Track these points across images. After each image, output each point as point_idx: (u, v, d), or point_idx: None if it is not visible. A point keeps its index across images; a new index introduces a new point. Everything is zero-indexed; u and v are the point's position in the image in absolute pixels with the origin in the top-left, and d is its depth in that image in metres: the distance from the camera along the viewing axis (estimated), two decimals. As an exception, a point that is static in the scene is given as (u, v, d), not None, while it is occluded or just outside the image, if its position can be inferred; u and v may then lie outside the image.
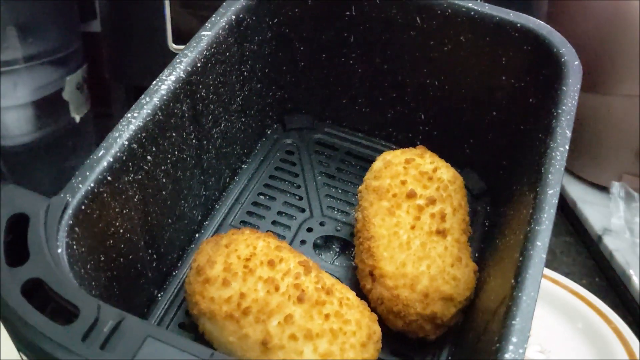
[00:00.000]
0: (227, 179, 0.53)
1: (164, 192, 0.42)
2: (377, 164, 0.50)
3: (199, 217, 0.50)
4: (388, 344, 0.43)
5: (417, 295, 0.42)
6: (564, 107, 0.40)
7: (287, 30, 0.51)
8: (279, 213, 0.52)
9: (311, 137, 0.58)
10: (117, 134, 0.37)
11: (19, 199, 0.33)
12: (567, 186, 0.69)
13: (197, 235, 0.50)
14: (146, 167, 0.39)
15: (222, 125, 0.48)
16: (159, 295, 0.47)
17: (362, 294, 0.44)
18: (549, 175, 0.37)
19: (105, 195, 0.36)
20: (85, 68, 0.58)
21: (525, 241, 0.34)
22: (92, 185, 0.35)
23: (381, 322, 0.42)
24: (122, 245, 0.39)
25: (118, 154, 0.36)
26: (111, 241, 0.38)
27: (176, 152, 0.42)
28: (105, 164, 0.35)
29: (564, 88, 0.41)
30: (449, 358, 0.43)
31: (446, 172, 0.48)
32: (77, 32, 0.58)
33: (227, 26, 0.44)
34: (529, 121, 0.46)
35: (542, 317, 0.55)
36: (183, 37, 0.50)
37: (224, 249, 0.44)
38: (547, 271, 0.60)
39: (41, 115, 0.53)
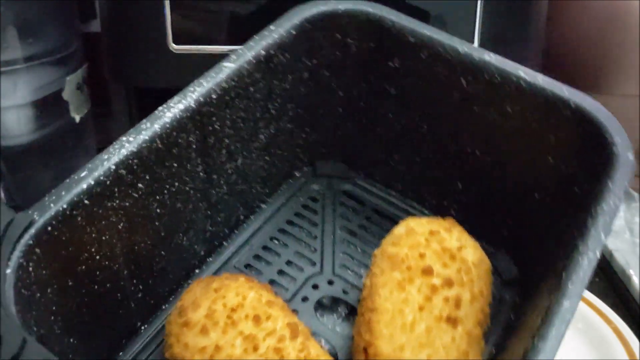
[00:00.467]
0: (241, 217, 0.50)
1: (157, 223, 0.40)
2: (399, 229, 0.46)
3: (202, 253, 0.47)
4: None
5: (406, 387, 0.37)
6: (604, 206, 0.35)
7: (327, 74, 0.49)
8: (288, 262, 0.49)
9: (340, 186, 0.54)
10: (105, 157, 0.35)
11: (-12, 208, 0.31)
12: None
13: (197, 270, 0.48)
14: (136, 195, 0.37)
15: (239, 161, 0.45)
16: (142, 327, 0.44)
17: (350, 369, 0.40)
18: (569, 284, 0.32)
19: (79, 218, 0.34)
20: (85, 68, 0.58)
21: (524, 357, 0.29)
22: (64, 206, 0.33)
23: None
24: (98, 272, 0.37)
25: (101, 178, 0.34)
26: (83, 267, 0.36)
27: (176, 183, 0.40)
28: (84, 186, 0.33)
29: (609, 184, 0.36)
30: None
31: (472, 253, 0.44)
32: (77, 32, 0.57)
33: (254, 61, 0.42)
34: (568, 212, 0.40)
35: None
36: (183, 37, 0.48)
37: (212, 293, 0.41)
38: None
39: (41, 115, 0.52)
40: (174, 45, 0.48)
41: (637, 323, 0.54)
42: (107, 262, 0.37)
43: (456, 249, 0.43)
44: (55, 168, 0.56)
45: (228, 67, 0.40)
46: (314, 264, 0.49)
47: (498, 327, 0.45)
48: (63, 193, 0.33)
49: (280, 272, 0.48)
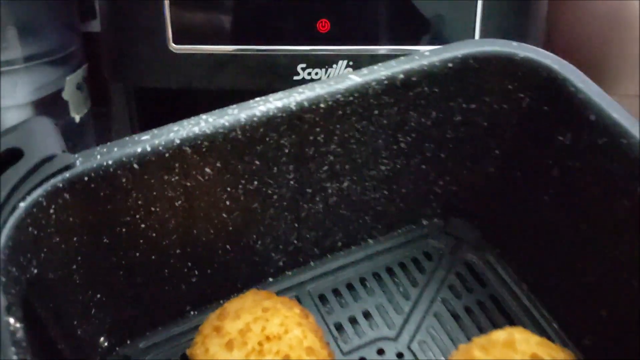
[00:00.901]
0: (339, 243, 0.45)
1: (224, 215, 0.37)
2: (498, 334, 0.37)
3: (281, 263, 0.44)
4: None
5: None
6: None
7: (485, 124, 0.41)
8: (365, 312, 0.43)
9: (464, 255, 0.47)
10: (175, 128, 0.33)
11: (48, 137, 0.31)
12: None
13: (270, 279, 0.44)
14: (201, 179, 0.34)
15: (345, 184, 0.41)
16: (192, 312, 0.42)
17: None
18: None
19: (124, 180, 0.32)
20: (85, 68, 0.56)
21: None
22: (109, 162, 0.31)
23: None
24: (142, 241, 0.36)
25: (160, 148, 0.32)
26: (124, 230, 0.34)
27: (255, 182, 0.37)
28: (138, 149, 0.32)
29: None
30: None
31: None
32: (77, 32, 0.56)
33: (387, 82, 0.36)
34: None
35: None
36: (183, 37, 0.46)
37: (258, 311, 0.38)
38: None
39: (41, 115, 0.50)
40: (174, 45, 0.45)
41: None
42: (154, 235, 0.35)
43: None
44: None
45: (351, 80, 0.35)
46: (392, 326, 0.43)
47: None
48: (115, 149, 0.31)
49: (352, 319, 0.43)
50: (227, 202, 0.37)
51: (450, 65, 0.37)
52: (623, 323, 0.37)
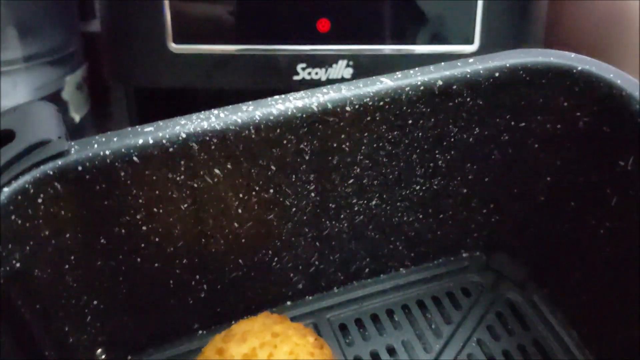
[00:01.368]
0: (367, 270, 0.41)
1: (235, 225, 0.34)
2: None
3: (300, 286, 0.40)
4: None
5: None
6: None
7: (536, 146, 0.37)
8: (389, 348, 0.39)
9: (508, 293, 0.42)
10: (182, 121, 0.30)
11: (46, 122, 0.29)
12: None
13: (288, 302, 0.41)
14: (209, 180, 0.31)
15: (374, 202, 0.37)
16: (200, 332, 0.39)
17: None
18: None
19: (122, 174, 0.29)
20: (85, 68, 0.55)
21: None
22: (107, 153, 0.29)
23: None
24: (143, 245, 0.33)
25: (164, 141, 0.29)
26: (123, 231, 0.32)
27: (271, 191, 0.33)
28: (139, 141, 0.29)
29: None
30: None
31: None
32: (77, 32, 0.55)
33: (422, 88, 0.32)
34: None
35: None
36: (183, 37, 0.45)
37: (267, 336, 0.34)
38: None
39: None
40: (174, 45, 0.45)
41: None
42: (157, 239, 0.32)
43: None
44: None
45: (383, 83, 0.32)
46: (420, 365, 0.38)
47: None
48: (114, 139, 0.29)
49: (374, 355, 0.38)
50: (239, 211, 0.33)
51: (496, 75, 0.33)
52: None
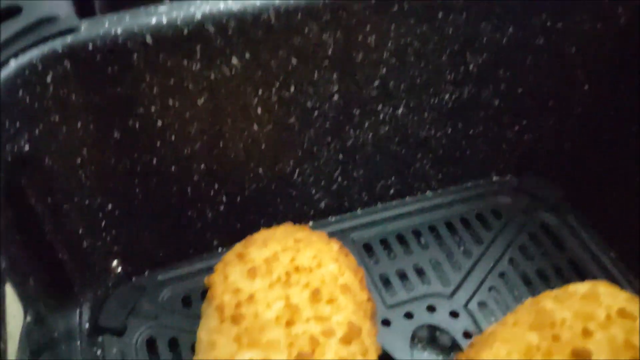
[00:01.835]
0: (392, 190, 0.39)
1: (255, 127, 0.33)
2: (578, 287, 0.31)
3: (322, 206, 0.38)
4: None
5: None
6: None
7: (573, 51, 0.35)
8: (417, 267, 0.37)
9: (541, 216, 0.40)
10: (198, 2, 0.28)
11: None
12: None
13: (310, 222, 0.39)
14: (227, 72, 0.30)
15: (400, 110, 0.35)
16: (220, 249, 0.37)
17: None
18: None
19: (135, 56, 0.28)
20: None
21: None
22: (119, 32, 0.27)
23: None
24: (158, 143, 0.31)
25: (178, 22, 0.28)
26: (137, 124, 0.30)
27: (292, 88, 0.32)
28: (153, 20, 0.28)
29: None
30: None
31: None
32: None
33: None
34: None
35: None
36: None
37: (290, 242, 0.33)
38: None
39: None
40: None
41: None
42: (173, 138, 0.31)
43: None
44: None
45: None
46: (447, 284, 0.36)
47: None
48: (127, 18, 0.27)
49: (401, 273, 0.37)
50: (259, 110, 0.32)
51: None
52: None
